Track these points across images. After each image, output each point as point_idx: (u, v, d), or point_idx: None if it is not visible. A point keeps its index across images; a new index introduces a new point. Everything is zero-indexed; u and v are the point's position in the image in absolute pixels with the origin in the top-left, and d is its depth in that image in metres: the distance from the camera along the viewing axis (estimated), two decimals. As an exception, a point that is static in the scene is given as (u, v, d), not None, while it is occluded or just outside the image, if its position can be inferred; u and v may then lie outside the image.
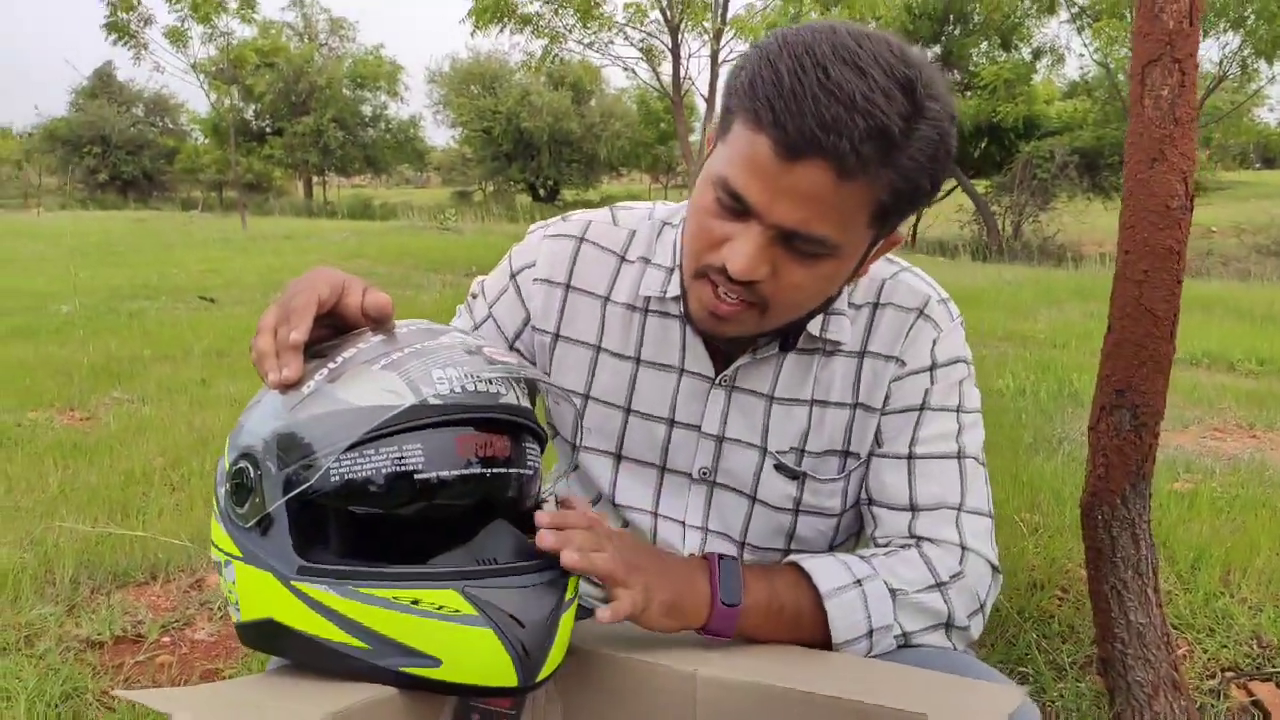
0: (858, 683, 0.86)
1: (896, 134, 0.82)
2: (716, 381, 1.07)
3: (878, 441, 1.06)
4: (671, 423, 1.09)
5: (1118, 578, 1.47)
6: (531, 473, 0.91)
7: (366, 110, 39.21)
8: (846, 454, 1.07)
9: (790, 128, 0.81)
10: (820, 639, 0.96)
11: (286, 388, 0.83)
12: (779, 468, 1.08)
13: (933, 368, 1.05)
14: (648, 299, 1.09)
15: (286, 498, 0.80)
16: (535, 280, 1.11)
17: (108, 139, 40.16)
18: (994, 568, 1.03)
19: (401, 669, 0.79)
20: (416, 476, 0.81)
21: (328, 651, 0.80)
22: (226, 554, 0.86)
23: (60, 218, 23.62)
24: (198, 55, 20.08)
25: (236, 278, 9.62)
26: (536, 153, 34.77)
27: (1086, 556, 1.52)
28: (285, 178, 41.66)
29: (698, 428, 1.09)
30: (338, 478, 0.80)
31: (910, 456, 1.05)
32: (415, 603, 0.78)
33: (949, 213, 21.85)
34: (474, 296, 1.17)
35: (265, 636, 0.84)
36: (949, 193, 22.53)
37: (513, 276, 1.13)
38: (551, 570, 0.83)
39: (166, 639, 2.02)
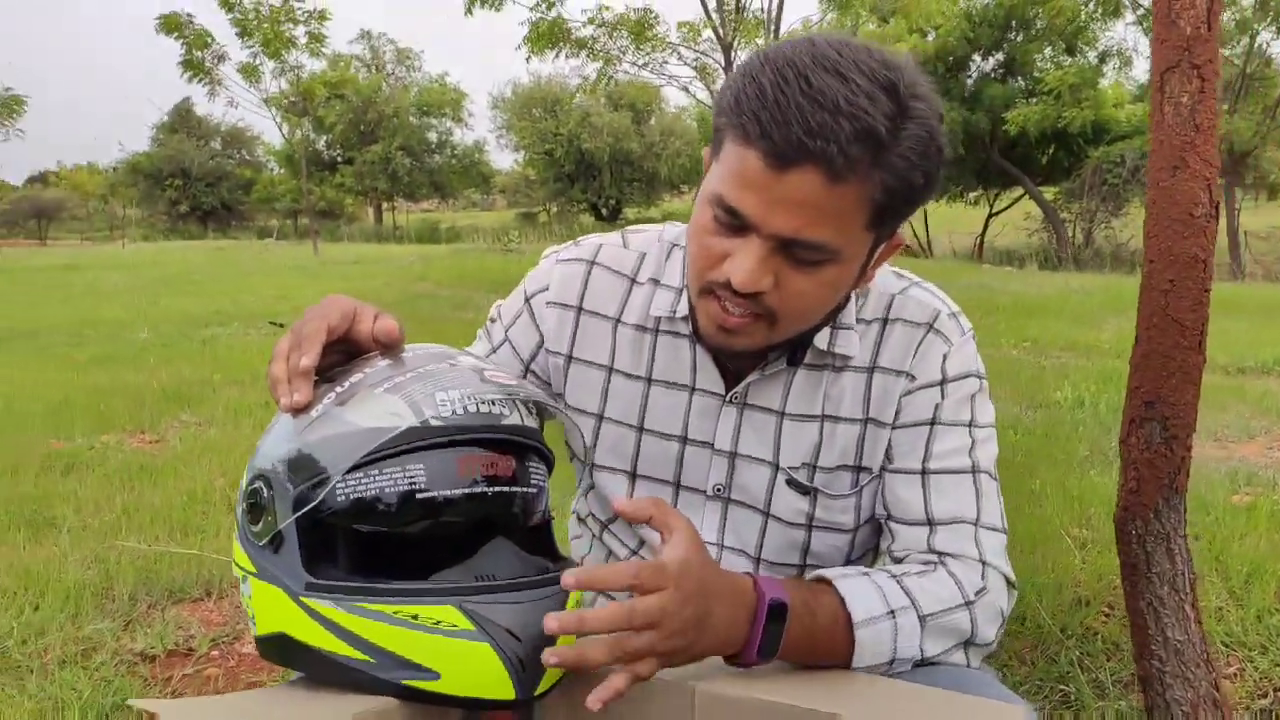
0: (862, 701, 0.87)
1: (883, 134, 0.83)
2: (728, 399, 1.08)
3: (889, 457, 1.06)
4: (684, 440, 1.11)
5: (1154, 594, 1.44)
6: (536, 491, 0.93)
7: (433, 137, 40.11)
8: (858, 469, 1.07)
9: (778, 137, 0.83)
10: (840, 660, 0.95)
11: (298, 411, 0.87)
12: (790, 483, 1.08)
13: (943, 382, 1.05)
14: (658, 319, 1.11)
15: (295, 516, 0.84)
16: (548, 304, 1.14)
17: (188, 171, 41.75)
18: (1010, 582, 1.03)
19: (403, 681, 0.82)
20: (420, 495, 0.84)
21: (334, 665, 0.84)
22: (244, 570, 0.90)
23: (143, 249, 24.57)
24: (270, 89, 20.67)
25: (306, 303, 9.79)
26: (598, 173, 35.06)
27: (1122, 573, 1.49)
28: (356, 204, 42.68)
29: (710, 445, 1.10)
30: (344, 497, 0.84)
31: (924, 472, 1.04)
32: (415, 618, 0.81)
33: (1017, 220, 21.35)
34: (492, 321, 1.21)
35: (279, 650, 0.88)
36: (1016, 201, 22.06)
37: (527, 300, 1.16)
38: (550, 586, 0.85)
39: (215, 652, 2.09)
